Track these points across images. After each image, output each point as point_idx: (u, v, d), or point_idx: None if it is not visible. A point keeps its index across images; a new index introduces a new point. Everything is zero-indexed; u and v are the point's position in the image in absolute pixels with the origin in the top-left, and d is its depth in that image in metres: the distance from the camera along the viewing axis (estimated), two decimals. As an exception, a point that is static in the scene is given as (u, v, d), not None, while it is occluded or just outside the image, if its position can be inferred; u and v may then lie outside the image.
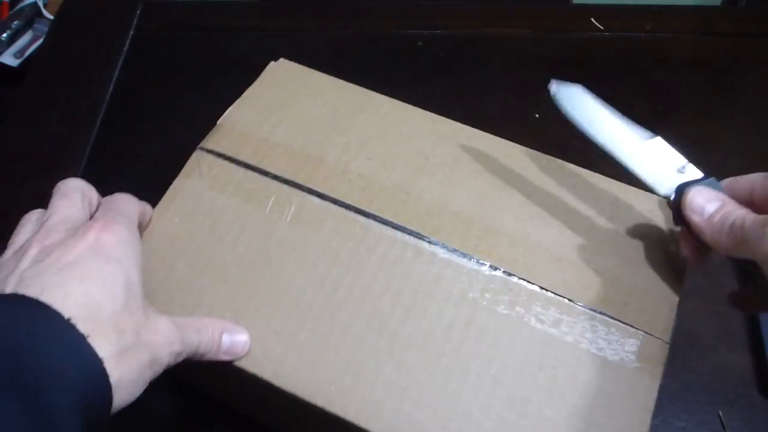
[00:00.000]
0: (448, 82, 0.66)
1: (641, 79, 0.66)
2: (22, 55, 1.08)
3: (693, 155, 0.60)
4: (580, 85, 0.38)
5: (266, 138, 0.42)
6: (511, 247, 0.38)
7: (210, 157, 0.41)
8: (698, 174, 0.36)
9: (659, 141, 0.37)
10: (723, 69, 0.67)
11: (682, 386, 0.47)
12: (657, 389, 0.33)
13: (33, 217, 0.34)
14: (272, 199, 0.39)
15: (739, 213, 0.33)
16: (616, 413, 0.33)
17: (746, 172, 0.58)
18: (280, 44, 0.69)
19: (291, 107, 0.44)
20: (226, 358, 0.34)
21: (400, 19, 0.71)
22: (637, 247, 0.38)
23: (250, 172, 0.40)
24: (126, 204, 0.36)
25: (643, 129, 0.37)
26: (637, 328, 0.35)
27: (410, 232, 0.38)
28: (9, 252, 0.32)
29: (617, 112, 0.38)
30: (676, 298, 0.36)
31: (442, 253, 0.37)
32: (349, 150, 0.42)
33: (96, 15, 0.73)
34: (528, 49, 0.69)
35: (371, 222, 0.38)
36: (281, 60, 0.47)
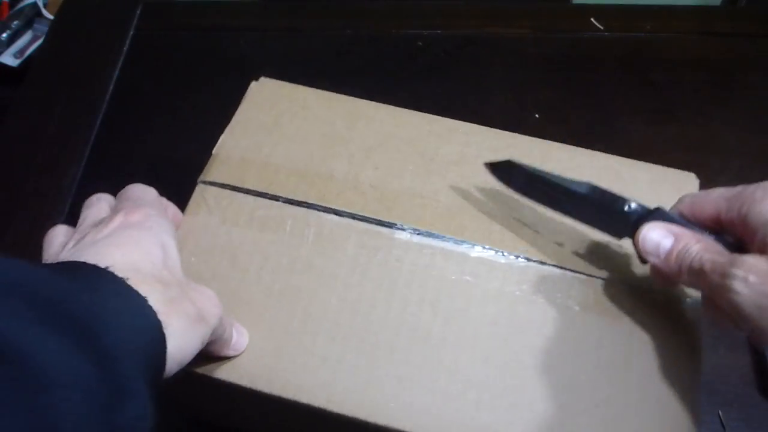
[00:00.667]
0: (448, 82, 0.66)
1: (641, 79, 0.66)
2: (22, 55, 1.08)
3: (693, 155, 0.60)
4: (508, 158, 0.38)
5: (267, 161, 0.41)
6: (537, 237, 0.38)
7: (215, 189, 0.40)
8: (646, 207, 0.35)
9: (594, 186, 0.36)
10: (723, 69, 0.67)
11: (682, 386, 0.47)
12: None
13: (60, 231, 0.34)
14: (289, 223, 0.38)
15: (695, 252, 0.31)
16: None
17: (746, 172, 0.58)
18: (280, 44, 0.69)
19: (285, 126, 0.43)
20: (231, 353, 0.34)
21: (400, 19, 0.71)
22: None
23: (260, 199, 0.39)
24: (143, 193, 0.36)
25: (576, 180, 0.36)
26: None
27: (436, 236, 0.38)
28: (47, 257, 0.33)
29: (550, 173, 0.37)
30: None
31: (471, 252, 0.37)
32: (354, 162, 0.41)
33: (96, 15, 0.73)
34: (528, 49, 0.69)
35: (394, 231, 0.38)
36: (262, 79, 0.46)
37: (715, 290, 0.29)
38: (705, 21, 0.72)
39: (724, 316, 0.31)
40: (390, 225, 0.38)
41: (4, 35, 1.07)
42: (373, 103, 0.45)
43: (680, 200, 0.34)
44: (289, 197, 0.39)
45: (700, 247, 0.31)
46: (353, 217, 0.39)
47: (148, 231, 0.32)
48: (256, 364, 0.34)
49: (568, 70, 0.67)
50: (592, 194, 0.36)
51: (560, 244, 0.38)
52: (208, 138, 0.62)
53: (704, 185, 0.59)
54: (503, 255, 0.37)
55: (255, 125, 0.43)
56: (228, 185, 0.40)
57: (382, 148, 0.42)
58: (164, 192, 0.59)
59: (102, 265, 0.28)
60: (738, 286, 0.28)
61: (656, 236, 0.33)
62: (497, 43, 0.69)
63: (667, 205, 0.35)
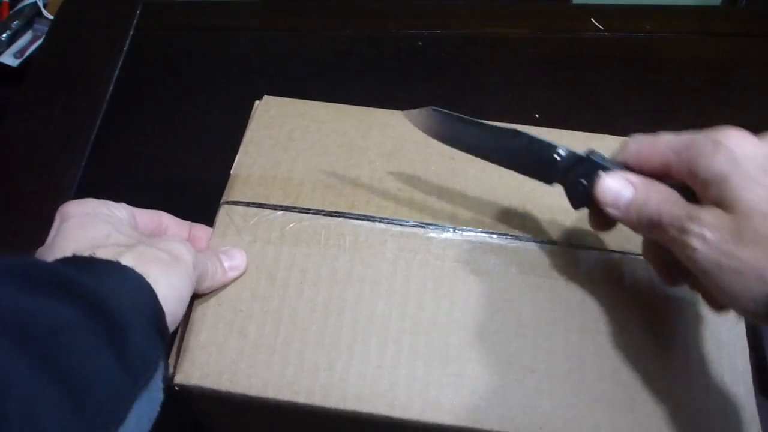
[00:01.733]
0: (448, 82, 0.66)
1: (641, 79, 0.66)
2: (22, 55, 1.08)
3: (693, 155, 0.60)
4: (429, 107, 0.37)
5: (289, 176, 0.40)
6: (578, 222, 0.38)
7: (240, 208, 0.39)
8: (577, 153, 0.33)
9: (522, 133, 0.34)
10: (723, 69, 0.67)
11: (682, 386, 0.47)
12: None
13: None
14: (323, 234, 0.38)
15: (653, 203, 0.30)
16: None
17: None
18: (280, 44, 0.69)
19: (299, 141, 0.42)
20: (233, 274, 0.36)
21: (400, 19, 0.72)
22: None
23: (289, 213, 0.39)
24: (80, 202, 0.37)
25: (505, 126, 0.35)
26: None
27: (472, 231, 0.38)
28: None
29: (474, 119, 0.36)
30: None
31: (508, 244, 0.38)
32: (377, 168, 0.41)
33: (96, 15, 0.73)
34: (528, 49, 0.69)
35: (429, 230, 0.38)
36: (266, 97, 0.45)
37: (674, 244, 0.29)
38: (705, 21, 0.72)
39: (679, 275, 0.32)
40: (424, 225, 0.38)
41: (4, 35, 1.07)
42: (382, 110, 0.45)
43: (623, 147, 0.33)
44: (319, 209, 0.39)
45: (659, 198, 0.30)
46: (388, 222, 0.38)
47: (87, 216, 0.33)
48: (311, 380, 0.34)
49: (568, 70, 0.67)
50: (520, 141, 0.34)
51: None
52: (207, 138, 0.62)
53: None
54: (537, 243, 0.38)
55: (268, 143, 0.42)
56: (253, 203, 0.39)
57: (400, 152, 0.42)
58: (164, 191, 0.59)
59: (85, 254, 0.30)
60: (696, 242, 0.27)
61: (615, 185, 0.31)
62: (497, 43, 0.69)
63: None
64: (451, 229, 0.38)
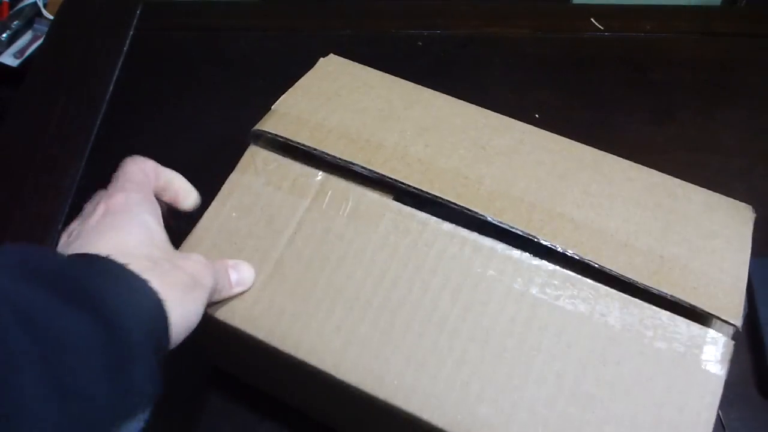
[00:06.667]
0: (448, 82, 0.66)
1: (641, 79, 0.66)
2: (22, 55, 1.08)
3: (693, 155, 0.60)
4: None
5: (322, 123, 0.42)
6: (576, 231, 0.38)
7: (265, 152, 0.42)
8: None
9: None
10: (723, 69, 0.67)
11: (682, 386, 0.47)
12: (723, 383, 0.33)
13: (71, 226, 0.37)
14: (329, 194, 0.40)
15: None
16: (681, 409, 0.33)
17: (746, 172, 0.58)
18: (280, 44, 0.69)
19: (344, 97, 0.44)
20: (239, 289, 0.36)
21: (400, 19, 0.71)
22: (701, 236, 0.38)
23: (306, 168, 0.41)
24: (132, 171, 0.37)
25: None
26: (708, 313, 0.35)
27: (471, 219, 0.38)
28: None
29: None
30: (743, 285, 0.36)
31: (500, 248, 0.38)
32: (406, 137, 0.42)
33: (96, 15, 0.73)
34: (528, 49, 0.69)
35: (429, 218, 0.39)
36: (331, 55, 0.48)
37: None
38: (705, 21, 0.72)
39: None
40: (427, 201, 0.39)
41: (4, 35, 1.07)
42: (433, 91, 0.46)
43: None
44: (336, 155, 0.40)
45: None
46: (394, 184, 0.39)
47: (128, 214, 0.33)
48: (274, 321, 0.36)
49: (568, 70, 0.67)
50: None
51: (599, 243, 0.37)
52: (207, 138, 0.62)
53: (704, 185, 0.59)
54: (533, 257, 0.37)
55: (316, 92, 0.44)
56: (280, 137, 0.41)
57: (435, 130, 0.43)
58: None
59: (93, 252, 0.29)
60: None
61: None
62: (497, 43, 0.69)
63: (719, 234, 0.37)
64: (449, 221, 0.38)
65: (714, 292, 0.36)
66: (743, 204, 0.40)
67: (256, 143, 0.42)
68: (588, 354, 0.34)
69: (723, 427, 0.46)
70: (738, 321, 0.34)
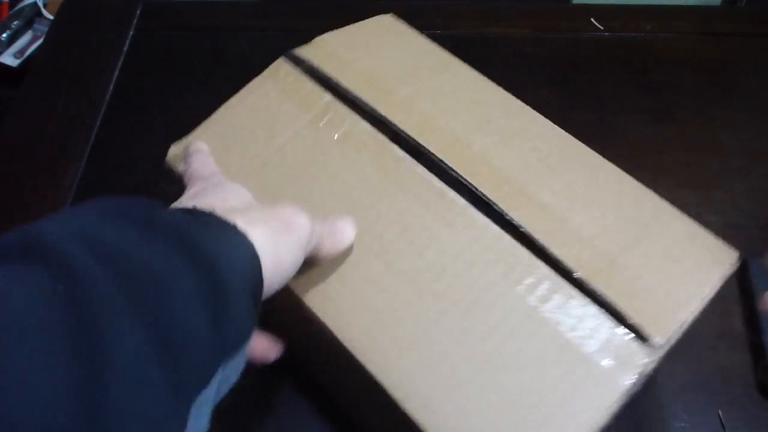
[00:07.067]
0: (448, 82, 0.66)
1: (641, 79, 0.66)
2: (22, 55, 1.08)
3: (693, 155, 0.60)
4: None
5: (350, 62, 0.45)
6: (537, 212, 0.38)
7: (290, 67, 0.45)
8: None
9: None
10: (723, 69, 0.67)
11: (682, 386, 0.47)
12: (623, 393, 0.32)
13: None
14: (329, 116, 0.42)
15: None
16: (567, 401, 0.32)
17: (746, 172, 0.58)
18: (280, 44, 0.69)
19: (382, 49, 0.47)
20: (341, 245, 0.36)
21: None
22: (664, 258, 0.36)
23: (318, 88, 0.44)
24: (200, 167, 0.39)
25: None
26: (631, 326, 0.34)
27: (447, 176, 0.39)
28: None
29: None
30: (685, 316, 0.34)
31: (462, 204, 0.38)
32: (419, 94, 0.43)
33: (96, 15, 0.73)
34: (528, 49, 0.69)
35: (407, 158, 0.40)
36: (390, 14, 0.50)
37: None
38: (705, 21, 0.72)
39: None
40: (412, 147, 0.40)
41: (4, 35, 1.07)
42: (473, 71, 0.47)
43: None
44: (348, 88, 0.43)
45: None
46: (389, 126, 0.41)
47: (212, 185, 0.35)
48: None
49: (568, 70, 0.67)
50: None
51: (554, 229, 0.37)
52: (208, 138, 0.62)
53: (704, 185, 0.59)
54: (488, 219, 0.38)
55: (359, 38, 0.48)
56: (306, 61, 0.45)
57: (449, 96, 0.44)
58: (163, 191, 0.59)
59: (206, 209, 0.30)
60: None
61: None
62: (497, 43, 0.69)
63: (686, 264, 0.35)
64: (426, 167, 0.40)
65: (649, 307, 0.34)
66: (731, 249, 0.37)
67: (286, 62, 0.45)
68: (499, 321, 0.34)
69: (723, 427, 0.46)
70: (660, 340, 0.33)
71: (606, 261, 0.36)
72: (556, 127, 0.43)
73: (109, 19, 0.72)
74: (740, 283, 0.51)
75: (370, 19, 0.49)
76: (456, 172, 0.39)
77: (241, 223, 0.29)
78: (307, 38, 0.70)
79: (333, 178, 0.40)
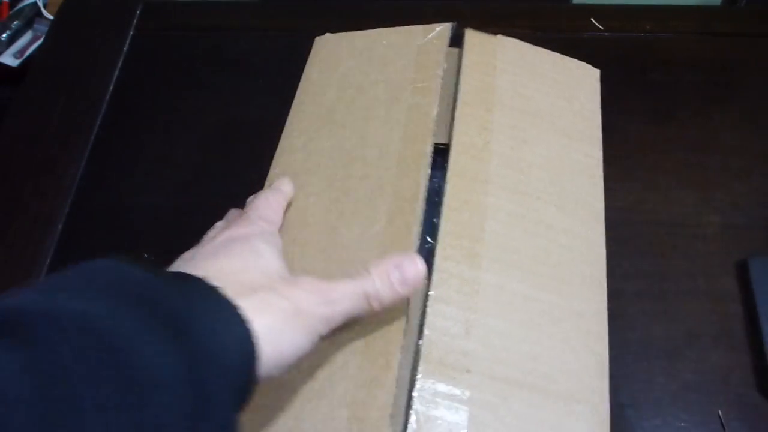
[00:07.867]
0: (448, 82, 0.66)
1: (641, 79, 0.66)
2: (22, 55, 1.08)
3: (693, 155, 0.60)
4: None
5: (379, 48, 0.57)
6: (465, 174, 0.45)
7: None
8: None
9: None
10: (723, 69, 0.67)
11: (682, 386, 0.47)
12: None
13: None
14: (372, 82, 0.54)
15: None
16: None
17: (746, 172, 0.58)
18: (280, 44, 0.69)
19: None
20: (404, 290, 0.33)
21: (399, 20, 0.71)
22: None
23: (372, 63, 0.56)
24: (264, 206, 0.38)
25: None
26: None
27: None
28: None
29: None
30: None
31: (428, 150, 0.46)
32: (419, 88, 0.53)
33: (96, 15, 0.73)
34: (528, 49, 0.69)
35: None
36: (445, 26, 0.59)
37: None
38: (705, 21, 0.72)
39: None
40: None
41: (4, 35, 1.07)
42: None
43: None
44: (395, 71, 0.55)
45: None
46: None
47: (243, 242, 0.32)
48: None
49: (568, 70, 0.67)
50: None
51: (478, 219, 0.44)
52: (207, 138, 0.62)
53: (704, 185, 0.59)
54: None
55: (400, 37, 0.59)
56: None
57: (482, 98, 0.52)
58: (163, 191, 0.59)
59: (198, 275, 0.28)
60: None
61: None
62: (497, 43, 0.69)
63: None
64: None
65: None
66: (589, 67, 0.51)
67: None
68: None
69: (723, 427, 0.46)
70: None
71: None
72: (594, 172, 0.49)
73: (109, 19, 0.72)
74: (740, 283, 0.51)
75: (429, 28, 0.60)
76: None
77: (247, 305, 0.27)
78: (307, 38, 0.70)
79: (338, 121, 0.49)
